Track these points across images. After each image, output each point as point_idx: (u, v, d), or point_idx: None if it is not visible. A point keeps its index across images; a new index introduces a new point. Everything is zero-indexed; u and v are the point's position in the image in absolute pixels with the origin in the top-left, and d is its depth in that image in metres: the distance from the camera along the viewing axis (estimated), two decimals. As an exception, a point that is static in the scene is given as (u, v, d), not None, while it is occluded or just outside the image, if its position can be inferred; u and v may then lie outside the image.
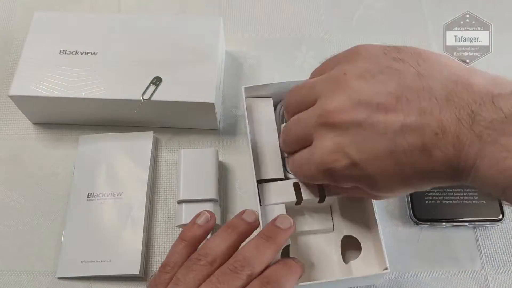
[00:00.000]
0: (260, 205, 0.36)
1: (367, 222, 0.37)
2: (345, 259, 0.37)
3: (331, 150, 0.28)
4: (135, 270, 0.37)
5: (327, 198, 0.36)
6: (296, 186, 0.37)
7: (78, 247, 0.39)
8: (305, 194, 0.37)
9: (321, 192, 0.36)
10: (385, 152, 0.26)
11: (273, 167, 0.38)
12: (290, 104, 0.33)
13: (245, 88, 0.40)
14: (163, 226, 0.41)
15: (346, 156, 0.27)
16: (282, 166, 0.38)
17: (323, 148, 0.28)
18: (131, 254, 0.38)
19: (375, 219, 0.35)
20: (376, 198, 0.33)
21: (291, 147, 0.33)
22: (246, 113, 0.40)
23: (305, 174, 0.32)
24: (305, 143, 0.31)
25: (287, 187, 0.37)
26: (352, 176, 0.28)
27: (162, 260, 0.39)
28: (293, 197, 0.37)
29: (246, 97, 0.41)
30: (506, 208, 0.40)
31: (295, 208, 0.38)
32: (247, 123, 0.39)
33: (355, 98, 0.27)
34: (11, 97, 0.41)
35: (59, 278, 0.38)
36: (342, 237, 0.37)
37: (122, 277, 0.38)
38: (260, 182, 0.37)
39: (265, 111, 0.41)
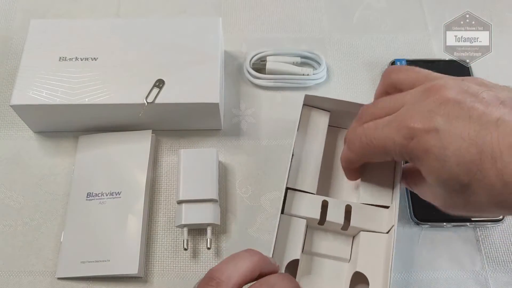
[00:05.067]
0: (282, 213, 0.36)
1: (382, 261, 0.35)
2: None
3: (423, 111, 0.28)
4: (134, 270, 0.37)
5: (350, 227, 0.36)
6: (324, 205, 0.36)
7: (77, 247, 0.39)
8: (330, 216, 0.36)
9: (346, 218, 0.36)
10: (471, 135, 0.26)
11: (308, 180, 0.38)
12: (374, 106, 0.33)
13: (306, 95, 0.40)
14: (163, 226, 0.41)
15: (433, 121, 0.27)
16: (317, 182, 0.38)
17: (415, 109, 0.28)
18: (129, 254, 0.38)
19: (390, 264, 0.33)
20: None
21: (371, 116, 0.32)
22: (299, 119, 0.39)
23: (376, 136, 0.31)
24: (392, 111, 0.30)
25: (314, 202, 0.36)
26: (426, 145, 0.27)
27: (162, 260, 0.39)
28: (317, 215, 0.36)
29: (304, 104, 0.40)
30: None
31: (318, 228, 0.37)
32: (297, 129, 0.39)
33: (464, 87, 0.28)
34: (13, 106, 0.40)
35: (59, 278, 0.38)
36: (354, 269, 0.36)
37: (121, 277, 0.38)
38: (289, 190, 0.37)
39: (319, 123, 0.41)
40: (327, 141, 0.40)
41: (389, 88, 0.33)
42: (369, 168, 0.38)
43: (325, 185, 0.41)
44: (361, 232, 0.36)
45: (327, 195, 0.39)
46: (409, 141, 0.28)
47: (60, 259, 0.38)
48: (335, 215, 0.36)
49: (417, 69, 0.32)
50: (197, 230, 0.40)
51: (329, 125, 0.41)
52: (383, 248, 0.35)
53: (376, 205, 0.37)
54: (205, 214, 0.38)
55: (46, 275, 0.38)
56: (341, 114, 0.41)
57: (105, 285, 0.38)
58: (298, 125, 0.39)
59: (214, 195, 0.39)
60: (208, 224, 0.38)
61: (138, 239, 0.38)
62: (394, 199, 0.37)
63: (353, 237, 0.38)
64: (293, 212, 0.36)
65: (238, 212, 0.41)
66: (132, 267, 0.37)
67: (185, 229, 0.39)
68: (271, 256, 0.33)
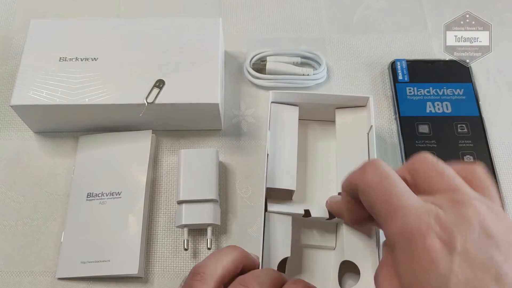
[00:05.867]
0: (266, 211, 0.36)
1: (368, 246, 0.35)
2: (343, 282, 0.37)
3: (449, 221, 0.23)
4: (134, 270, 0.37)
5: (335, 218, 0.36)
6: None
7: (78, 247, 0.39)
8: (315, 213, 0.36)
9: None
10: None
11: (286, 177, 0.38)
12: None
13: (272, 92, 0.40)
14: (163, 227, 0.41)
15: (453, 237, 0.23)
16: (295, 178, 0.38)
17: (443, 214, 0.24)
18: (129, 254, 0.38)
19: (378, 248, 0.34)
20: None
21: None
22: (269, 118, 0.40)
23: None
24: None
25: (296, 206, 0.37)
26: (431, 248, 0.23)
27: (163, 260, 0.39)
28: (301, 211, 0.36)
29: (271, 102, 0.41)
30: (506, 208, 0.40)
31: (302, 220, 0.38)
32: (269, 128, 0.39)
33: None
34: (13, 106, 0.40)
35: (59, 278, 0.38)
36: (341, 258, 0.36)
37: (121, 277, 0.38)
38: (271, 189, 0.37)
39: (289, 119, 0.41)
40: (299, 135, 0.41)
41: (407, 174, 0.28)
42: (344, 155, 0.40)
43: (302, 179, 0.41)
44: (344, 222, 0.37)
45: (304, 189, 0.41)
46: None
47: (60, 259, 0.38)
48: (320, 211, 0.37)
49: (445, 171, 0.26)
50: (197, 230, 0.40)
51: (299, 119, 0.41)
52: (368, 235, 0.36)
53: None
54: (205, 215, 0.38)
55: (46, 275, 0.38)
56: (308, 107, 0.42)
57: (105, 285, 0.38)
58: (269, 123, 0.39)
59: (214, 195, 0.39)
60: (208, 224, 0.38)
61: (138, 239, 0.38)
62: None
63: (337, 224, 0.38)
64: (277, 209, 0.36)
65: (238, 212, 0.41)
66: (132, 267, 0.37)
67: (185, 229, 0.39)
68: (260, 255, 0.34)
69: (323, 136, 0.43)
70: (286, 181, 0.38)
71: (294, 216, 0.37)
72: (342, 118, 0.41)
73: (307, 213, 0.37)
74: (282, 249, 0.35)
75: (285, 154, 0.39)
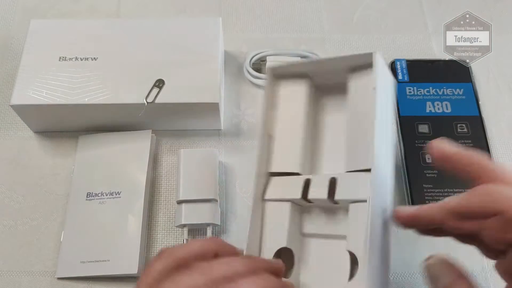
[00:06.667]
0: (263, 199, 0.35)
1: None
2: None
3: None
4: (133, 270, 0.37)
5: (340, 200, 0.31)
6: (306, 183, 0.33)
7: (77, 247, 0.39)
8: (312, 194, 0.32)
9: (330, 188, 0.32)
10: None
11: (288, 159, 0.35)
12: None
13: (269, 68, 0.37)
14: (163, 226, 0.41)
15: None
16: (299, 159, 0.34)
17: None
18: (129, 254, 0.38)
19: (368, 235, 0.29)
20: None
21: None
22: (266, 94, 0.36)
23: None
24: None
25: (295, 182, 0.33)
26: None
27: (162, 260, 0.39)
28: (298, 194, 0.33)
29: (274, 74, 0.37)
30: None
31: (306, 206, 0.34)
32: (265, 107, 0.36)
33: None
34: (13, 106, 0.40)
35: (59, 278, 0.38)
36: (349, 247, 0.30)
37: (121, 277, 0.38)
38: (272, 175, 0.35)
39: (294, 93, 0.37)
40: (310, 109, 0.37)
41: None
42: (353, 128, 0.34)
43: (310, 160, 0.37)
44: (350, 205, 0.31)
45: (311, 172, 0.36)
46: None
47: (60, 259, 0.38)
48: (318, 192, 0.32)
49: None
50: (197, 230, 0.40)
51: (315, 89, 0.37)
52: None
53: (361, 170, 0.32)
54: (205, 214, 0.38)
55: (46, 275, 0.38)
56: (322, 76, 0.37)
57: (105, 285, 0.38)
58: (265, 102, 0.36)
59: (214, 195, 0.39)
60: (208, 224, 0.38)
61: (138, 239, 0.38)
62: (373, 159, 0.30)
63: (347, 208, 0.32)
64: (272, 196, 0.34)
65: (238, 212, 0.41)
66: (132, 267, 0.37)
67: (185, 229, 0.39)
68: (245, 247, 0.33)
69: (332, 110, 0.38)
70: (288, 164, 0.35)
71: (296, 202, 0.33)
72: (355, 83, 0.35)
73: (304, 192, 0.33)
74: (277, 237, 0.33)
75: (287, 133, 0.36)
